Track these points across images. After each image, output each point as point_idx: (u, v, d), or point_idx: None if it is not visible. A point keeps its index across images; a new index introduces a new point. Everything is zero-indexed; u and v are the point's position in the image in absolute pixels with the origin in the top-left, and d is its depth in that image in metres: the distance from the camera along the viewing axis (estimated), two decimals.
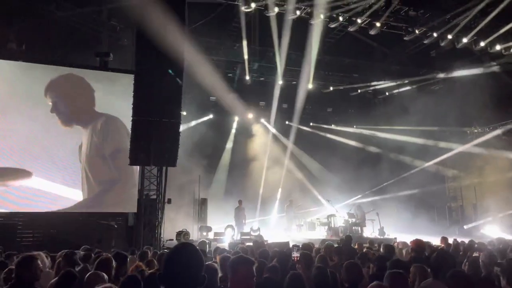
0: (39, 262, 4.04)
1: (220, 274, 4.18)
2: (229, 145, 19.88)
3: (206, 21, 15.08)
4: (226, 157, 19.57)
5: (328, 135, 21.10)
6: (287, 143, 20.20)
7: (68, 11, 14.31)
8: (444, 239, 9.40)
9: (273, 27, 15.35)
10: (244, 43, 16.49)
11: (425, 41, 16.35)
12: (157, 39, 11.16)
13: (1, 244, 9.90)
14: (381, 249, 7.41)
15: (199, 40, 16.54)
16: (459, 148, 18.99)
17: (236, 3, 14.23)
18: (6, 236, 11.07)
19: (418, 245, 6.40)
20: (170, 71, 11.22)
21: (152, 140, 11.18)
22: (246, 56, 16.97)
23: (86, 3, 14.60)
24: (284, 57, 17.60)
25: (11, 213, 12.15)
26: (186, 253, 2.03)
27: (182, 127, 13.96)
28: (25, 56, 13.19)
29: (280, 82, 18.30)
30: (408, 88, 19.94)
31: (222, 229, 15.10)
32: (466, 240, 9.63)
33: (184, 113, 14.57)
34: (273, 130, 20.40)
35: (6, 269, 4.90)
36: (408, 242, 9.44)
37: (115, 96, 13.51)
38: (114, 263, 4.72)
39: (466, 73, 17.55)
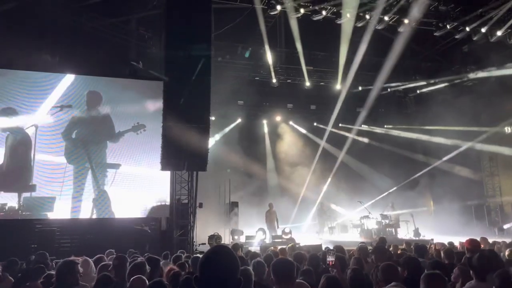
0: (79, 266, 4.13)
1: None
2: (260, 148, 19.87)
3: (232, 25, 15.16)
4: (258, 160, 19.52)
5: (358, 136, 20.80)
6: (335, 151, 20.09)
7: (98, 22, 14.72)
8: (484, 240, 9.06)
9: (299, 29, 15.29)
10: (269, 46, 16.47)
11: (457, 36, 15.88)
12: (185, 45, 11.33)
13: (41, 249, 10.23)
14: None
15: (226, 45, 16.70)
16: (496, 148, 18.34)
17: (261, 6, 14.26)
18: (45, 242, 11.44)
19: (474, 245, 6.02)
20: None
21: (183, 145, 11.31)
22: (271, 59, 16.94)
23: (115, 13, 14.96)
24: (311, 59, 17.53)
25: (49, 219, 12.57)
26: (222, 255, 2.01)
27: (217, 136, 14.04)
28: (59, 67, 13.66)
29: (307, 84, 18.18)
30: (440, 85, 19.36)
31: (254, 233, 15.09)
32: (507, 241, 9.29)
33: (213, 118, 14.67)
34: (307, 134, 20.31)
35: (45, 274, 5.03)
36: (446, 243, 9.16)
37: (145, 104, 13.79)
38: (147, 268, 4.76)
39: (501, 68, 16.91)
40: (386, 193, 18.60)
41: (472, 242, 6.13)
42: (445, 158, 18.68)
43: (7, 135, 12.53)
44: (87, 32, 14.27)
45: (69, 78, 13.50)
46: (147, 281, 4.04)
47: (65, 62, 13.83)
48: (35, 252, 9.65)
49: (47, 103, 13.00)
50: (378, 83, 17.86)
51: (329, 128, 19.69)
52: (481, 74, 18.14)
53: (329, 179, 19.20)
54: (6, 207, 12.10)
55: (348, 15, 14.58)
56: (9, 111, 12.58)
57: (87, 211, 12.95)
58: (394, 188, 18.80)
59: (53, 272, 4.78)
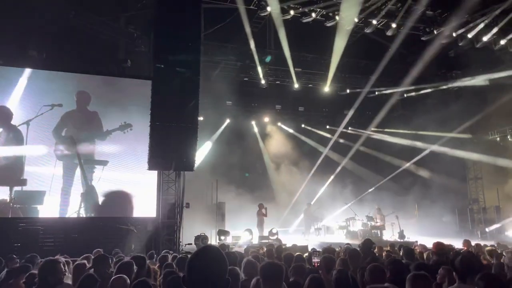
0: (61, 265, 4.09)
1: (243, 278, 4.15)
2: (249, 149, 19.82)
3: (222, 26, 15.15)
4: (246, 161, 19.47)
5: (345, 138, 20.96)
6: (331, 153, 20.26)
7: (87, 19, 14.55)
8: (467, 242, 9.20)
9: (288, 31, 15.31)
10: (258, 47, 16.46)
11: (443, 41, 16.08)
12: (174, 45, 11.30)
13: (24, 248, 10.10)
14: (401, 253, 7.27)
15: (215, 45, 16.66)
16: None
17: (251, 7, 14.26)
18: (28, 241, 11.30)
19: (440, 248, 6.27)
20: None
21: (170, 145, 11.26)
22: (260, 60, 16.94)
23: (104, 11, 14.81)
24: (300, 61, 17.60)
25: (34, 218, 12.42)
26: (210, 255, 2.00)
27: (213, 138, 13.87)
28: (46, 64, 13.48)
29: (296, 85, 18.22)
30: (427, 90, 19.53)
31: (241, 233, 15.07)
32: (489, 243, 9.44)
33: (201, 118, 14.63)
34: (296, 135, 20.36)
35: (28, 274, 4.96)
36: (428, 245, 9.27)
37: (132, 103, 13.70)
38: (135, 267, 4.73)
39: (485, 73, 17.19)
40: (366, 192, 18.84)
41: (438, 245, 6.37)
42: (415, 159, 19.11)
43: (0, 131, 12.78)
44: (75, 29, 14.10)
45: (59, 76, 13.41)
46: (128, 280, 4.01)
47: (52, 59, 13.65)
48: (19, 251, 9.56)
49: (37, 101, 13.03)
50: (366, 86, 18.03)
51: (335, 136, 19.97)
52: (466, 79, 18.40)
53: (328, 182, 19.31)
54: None
55: (337, 17, 14.65)
56: (2, 109, 12.74)
57: (75, 205, 12.96)
58: (374, 187, 19.06)
59: (35, 271, 4.72)
